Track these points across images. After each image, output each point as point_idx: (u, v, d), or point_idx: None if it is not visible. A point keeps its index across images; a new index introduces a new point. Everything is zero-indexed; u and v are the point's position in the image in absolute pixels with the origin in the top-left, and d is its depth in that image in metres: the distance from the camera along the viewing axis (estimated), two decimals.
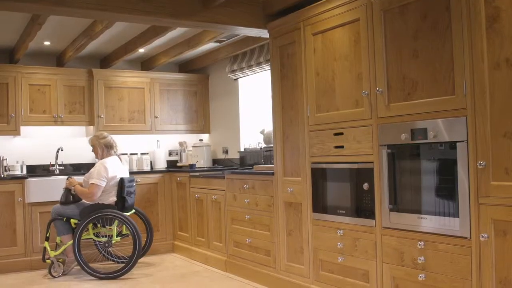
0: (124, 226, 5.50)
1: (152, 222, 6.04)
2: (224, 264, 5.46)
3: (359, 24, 3.69)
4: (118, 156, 5.71)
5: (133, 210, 5.76)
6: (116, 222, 5.39)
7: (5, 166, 6.20)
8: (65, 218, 5.39)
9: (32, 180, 5.90)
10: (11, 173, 6.22)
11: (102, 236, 5.54)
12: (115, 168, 5.48)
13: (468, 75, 2.91)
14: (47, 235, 5.42)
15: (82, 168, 6.91)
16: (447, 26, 3.04)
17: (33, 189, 5.86)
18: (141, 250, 5.42)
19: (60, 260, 5.40)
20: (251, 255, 5.02)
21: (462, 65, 2.94)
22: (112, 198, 5.46)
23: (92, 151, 5.73)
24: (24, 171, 6.45)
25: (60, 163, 6.70)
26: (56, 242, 5.50)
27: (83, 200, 5.50)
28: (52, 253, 5.38)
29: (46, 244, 5.40)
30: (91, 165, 6.90)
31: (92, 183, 5.33)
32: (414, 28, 3.26)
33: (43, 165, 6.70)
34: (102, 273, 5.30)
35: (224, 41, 6.16)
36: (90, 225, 5.39)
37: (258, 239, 4.92)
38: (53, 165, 6.64)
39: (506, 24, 2.70)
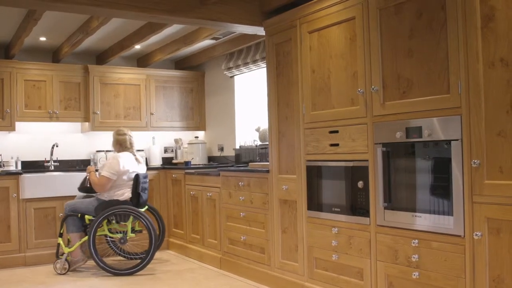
0: (137, 222, 5.51)
1: None
2: (218, 262, 5.47)
3: (354, 22, 3.70)
4: (133, 153, 5.62)
5: (146, 206, 5.74)
6: (131, 218, 5.37)
7: (0, 162, 6.18)
8: (79, 215, 5.36)
9: (27, 176, 5.88)
10: (6, 169, 6.21)
11: (117, 232, 5.53)
12: (126, 163, 5.43)
13: (463, 74, 2.92)
14: (61, 232, 5.41)
15: (77, 165, 6.91)
16: (442, 25, 3.05)
17: (28, 185, 5.85)
18: (157, 245, 5.43)
19: (68, 258, 5.39)
20: (246, 253, 5.03)
21: (457, 64, 2.95)
22: (127, 194, 5.43)
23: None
24: (19, 167, 6.44)
25: (55, 159, 6.69)
26: (68, 239, 5.48)
27: (98, 196, 5.48)
28: (66, 250, 5.37)
29: (60, 240, 5.39)
30: (87, 161, 6.94)
31: (103, 175, 5.34)
32: (409, 27, 3.27)
33: (38, 161, 6.69)
34: (117, 269, 5.29)
35: (220, 38, 6.16)
36: (105, 222, 5.37)
37: (253, 236, 4.92)
38: (48, 161, 6.63)
39: (501, 24, 2.71)
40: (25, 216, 5.84)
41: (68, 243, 5.46)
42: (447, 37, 3.01)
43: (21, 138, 6.62)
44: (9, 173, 5.86)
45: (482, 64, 2.81)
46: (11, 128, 6.24)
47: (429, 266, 3.17)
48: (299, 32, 4.26)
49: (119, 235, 5.49)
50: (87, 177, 5.53)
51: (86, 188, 5.54)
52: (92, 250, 5.23)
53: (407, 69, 3.29)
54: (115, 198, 5.38)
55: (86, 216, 5.38)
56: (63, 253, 5.37)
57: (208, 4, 4.43)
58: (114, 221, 5.40)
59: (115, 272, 5.25)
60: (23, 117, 6.36)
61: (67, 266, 5.35)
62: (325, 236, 4.02)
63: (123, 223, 5.41)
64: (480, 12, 2.81)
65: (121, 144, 5.60)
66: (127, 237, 5.47)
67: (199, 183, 5.92)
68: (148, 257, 5.31)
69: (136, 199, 5.44)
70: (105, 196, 5.40)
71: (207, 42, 6.41)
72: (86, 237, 5.31)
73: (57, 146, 6.61)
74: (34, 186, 5.89)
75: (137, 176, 5.44)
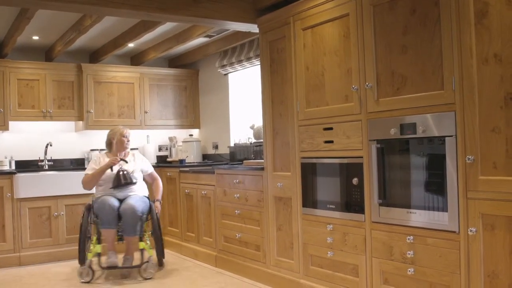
0: None
1: None
2: (214, 259, 5.47)
3: (348, 19, 3.70)
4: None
5: None
6: None
7: None
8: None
9: (21, 176, 5.86)
10: None
11: None
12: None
13: (456, 70, 2.92)
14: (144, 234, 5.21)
15: (71, 164, 6.89)
16: (436, 21, 3.05)
17: (22, 184, 5.83)
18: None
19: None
20: (241, 250, 5.03)
21: (451, 60, 2.95)
22: None
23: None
24: (13, 167, 6.41)
25: (49, 158, 6.67)
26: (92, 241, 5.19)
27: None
28: (150, 252, 5.14)
29: (98, 248, 5.09)
30: (81, 160, 6.92)
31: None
32: (403, 23, 3.26)
33: (32, 161, 6.66)
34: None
35: (214, 36, 6.15)
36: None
37: (248, 234, 4.92)
38: (42, 161, 6.61)
39: (494, 20, 2.71)
40: (19, 215, 5.82)
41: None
42: (441, 33, 3.01)
43: (14, 138, 6.59)
44: (3, 173, 5.84)
45: (475, 60, 2.81)
46: (4, 127, 6.21)
47: (424, 262, 3.17)
48: (293, 29, 4.25)
49: None
50: (124, 172, 5.19)
51: (125, 183, 5.18)
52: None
53: (401, 66, 3.29)
54: None
55: None
56: (86, 259, 5.04)
57: (201, 2, 4.42)
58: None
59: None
60: (17, 116, 6.33)
61: (91, 273, 4.96)
62: (320, 233, 4.03)
63: None
64: (474, 8, 2.81)
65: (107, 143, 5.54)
66: None
67: (193, 181, 5.91)
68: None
69: None
70: None
71: (200, 40, 6.39)
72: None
73: (51, 145, 6.59)
74: (28, 185, 5.87)
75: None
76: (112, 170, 5.18)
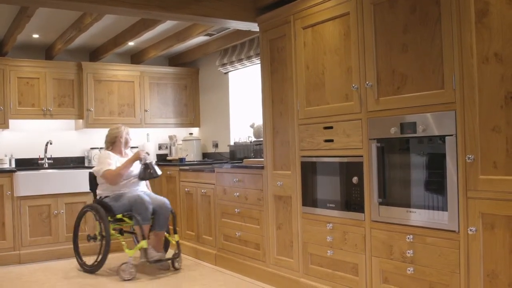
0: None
1: None
2: (213, 258, 5.46)
3: (349, 18, 3.69)
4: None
5: None
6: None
7: None
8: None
9: (21, 174, 5.86)
10: None
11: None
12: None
13: (457, 69, 2.92)
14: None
15: (71, 162, 6.89)
16: (436, 20, 3.04)
17: (22, 182, 5.83)
18: (108, 247, 5.12)
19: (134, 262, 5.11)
20: (241, 249, 5.03)
21: (451, 59, 2.95)
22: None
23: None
24: (13, 165, 6.41)
25: (49, 156, 6.67)
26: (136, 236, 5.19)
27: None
28: (130, 252, 5.06)
29: (144, 243, 5.04)
30: (81, 158, 6.92)
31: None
32: (403, 22, 3.26)
33: (32, 159, 6.66)
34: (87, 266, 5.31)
35: (214, 34, 6.14)
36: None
37: (247, 232, 4.92)
38: (42, 159, 6.61)
39: (495, 19, 2.71)
40: (19, 214, 5.81)
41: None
42: (441, 32, 3.01)
43: (14, 136, 6.59)
44: (3, 171, 5.84)
45: (476, 59, 2.81)
46: (4, 125, 6.20)
47: (424, 262, 3.17)
48: (293, 28, 4.25)
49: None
50: (151, 163, 5.35)
51: (149, 176, 5.38)
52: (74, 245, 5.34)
53: (402, 65, 3.29)
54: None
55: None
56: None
57: (201, 0, 4.42)
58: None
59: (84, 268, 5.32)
60: (17, 114, 6.32)
61: (134, 271, 5.01)
62: (320, 232, 4.03)
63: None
64: (474, 7, 2.81)
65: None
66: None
67: (193, 179, 5.91)
68: (100, 259, 5.15)
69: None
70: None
71: (201, 39, 6.39)
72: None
73: (51, 144, 6.59)
74: (28, 183, 5.86)
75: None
76: (141, 161, 5.33)
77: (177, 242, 5.34)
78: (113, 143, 5.49)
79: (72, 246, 5.59)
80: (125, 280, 4.91)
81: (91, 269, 5.24)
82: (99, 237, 5.28)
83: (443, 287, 3.06)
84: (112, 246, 5.22)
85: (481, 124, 2.80)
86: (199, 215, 5.78)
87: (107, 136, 5.55)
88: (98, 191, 5.45)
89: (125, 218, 5.15)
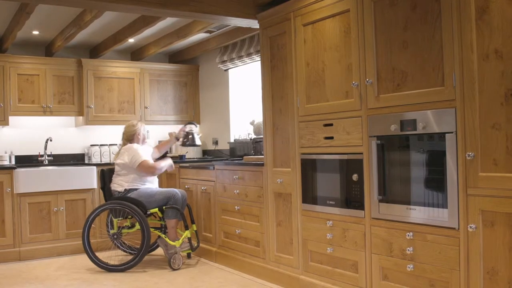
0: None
1: None
2: (213, 255, 5.47)
3: (349, 15, 3.69)
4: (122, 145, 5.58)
5: None
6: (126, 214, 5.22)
7: None
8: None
9: (20, 171, 5.86)
10: None
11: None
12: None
13: (457, 67, 2.92)
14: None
15: (71, 159, 6.89)
16: (436, 17, 3.04)
17: (22, 179, 5.83)
18: (149, 243, 5.19)
19: (183, 252, 5.37)
20: (241, 246, 5.03)
21: (452, 56, 2.95)
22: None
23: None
24: (13, 162, 6.41)
25: (49, 153, 6.67)
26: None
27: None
28: (178, 243, 5.23)
29: (188, 232, 5.36)
30: (81, 155, 6.93)
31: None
32: (404, 19, 3.26)
33: (32, 156, 6.66)
34: (110, 265, 5.18)
35: (214, 31, 6.14)
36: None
37: (247, 230, 4.92)
38: (42, 156, 6.61)
39: (495, 16, 2.70)
40: (19, 210, 5.81)
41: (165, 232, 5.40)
42: (442, 29, 3.01)
43: (14, 133, 6.59)
44: (3, 168, 5.83)
45: (476, 56, 2.80)
46: (4, 122, 6.21)
47: (424, 259, 3.17)
48: (293, 25, 4.24)
49: (113, 231, 5.40)
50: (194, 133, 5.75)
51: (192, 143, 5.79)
52: (86, 243, 5.20)
53: (402, 62, 3.28)
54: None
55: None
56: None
57: None
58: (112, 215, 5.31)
59: (108, 268, 5.16)
60: (17, 111, 6.33)
61: (181, 259, 5.29)
62: (320, 229, 4.03)
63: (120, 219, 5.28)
64: (475, 4, 2.80)
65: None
66: (123, 233, 5.44)
67: (193, 176, 5.91)
68: (140, 254, 5.13)
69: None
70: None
71: (201, 36, 6.38)
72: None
73: (51, 141, 6.59)
74: (28, 180, 5.86)
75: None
76: (183, 138, 5.76)
77: (196, 231, 5.55)
78: (131, 140, 5.48)
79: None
80: (174, 270, 5.16)
81: (122, 268, 5.13)
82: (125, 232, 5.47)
83: (443, 284, 3.07)
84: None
85: (481, 121, 2.80)
86: (199, 212, 5.78)
87: (124, 134, 5.54)
88: (123, 183, 5.30)
89: (159, 213, 5.34)
